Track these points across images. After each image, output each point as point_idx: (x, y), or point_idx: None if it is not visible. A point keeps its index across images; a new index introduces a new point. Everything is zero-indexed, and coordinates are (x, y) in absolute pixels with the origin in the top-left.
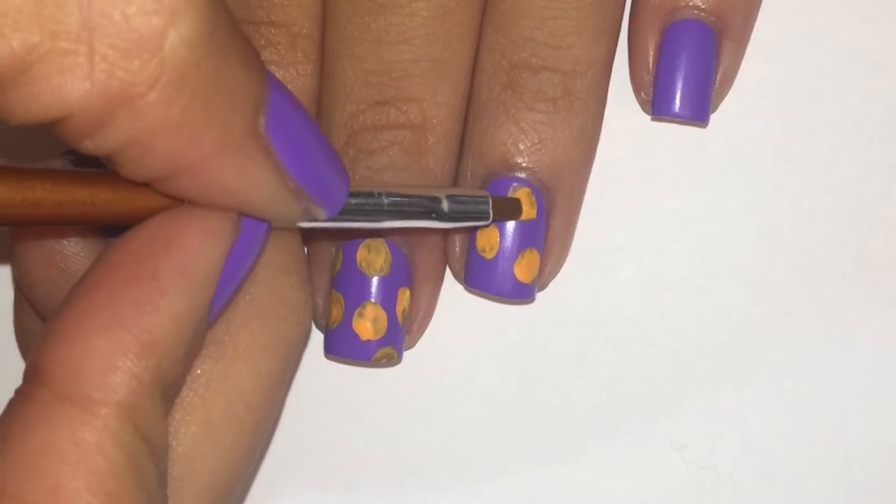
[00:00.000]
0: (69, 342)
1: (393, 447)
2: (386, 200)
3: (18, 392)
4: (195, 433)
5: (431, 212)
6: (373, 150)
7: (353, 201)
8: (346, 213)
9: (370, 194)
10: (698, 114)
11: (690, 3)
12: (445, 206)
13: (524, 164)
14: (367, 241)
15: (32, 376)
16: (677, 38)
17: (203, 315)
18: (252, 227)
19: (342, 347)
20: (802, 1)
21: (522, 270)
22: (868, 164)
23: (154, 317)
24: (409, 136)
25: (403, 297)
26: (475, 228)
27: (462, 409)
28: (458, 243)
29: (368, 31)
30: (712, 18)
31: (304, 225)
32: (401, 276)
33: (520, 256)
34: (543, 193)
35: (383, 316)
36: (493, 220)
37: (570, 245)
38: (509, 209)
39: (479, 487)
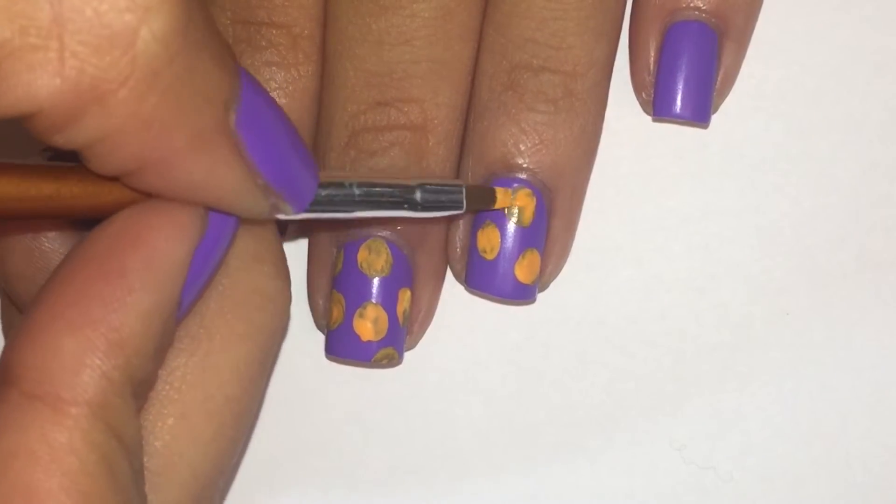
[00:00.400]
0: (37, 341)
1: (393, 447)
2: (357, 191)
3: None
4: (173, 427)
5: (404, 202)
6: (374, 150)
7: (323, 192)
8: (317, 204)
9: (341, 185)
10: (699, 114)
11: (691, 4)
12: (418, 195)
13: (525, 165)
14: (368, 241)
15: (3, 377)
16: (678, 38)
17: (171, 310)
18: (220, 221)
19: (343, 348)
20: (803, 1)
21: (523, 271)
22: (868, 164)
23: (122, 314)
24: (410, 136)
25: (404, 297)
26: (450, 217)
27: (462, 409)
28: (458, 244)
29: (369, 32)
30: (713, 19)
31: (276, 217)
32: (401, 276)
33: (521, 257)
34: (544, 194)
35: (384, 316)
36: (468, 210)
37: (570, 245)
38: (484, 198)
39: (479, 487)
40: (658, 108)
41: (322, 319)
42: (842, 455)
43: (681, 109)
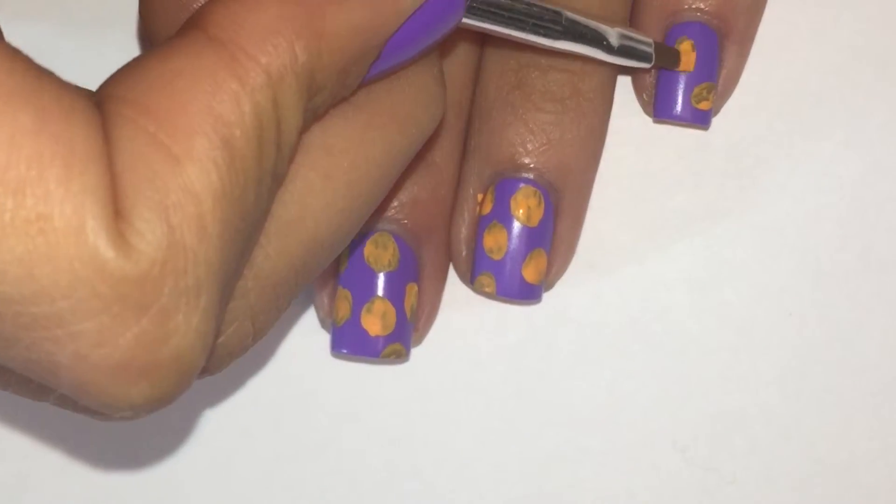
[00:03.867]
0: None
1: (393, 447)
2: (565, 16)
3: (174, 35)
4: (314, 183)
5: (602, 40)
6: None
7: (535, 9)
8: (524, 23)
9: (552, 10)
10: (700, 117)
11: (693, 5)
12: (614, 39)
13: (532, 165)
14: (375, 235)
15: (194, 21)
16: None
17: (374, 43)
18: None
19: (351, 344)
20: (805, 1)
21: (530, 271)
22: (871, 164)
23: (335, 9)
24: None
25: (411, 292)
26: (633, 69)
27: (462, 410)
28: (464, 245)
29: None
30: (715, 20)
31: (472, 24)
32: (408, 271)
33: (528, 257)
34: (551, 194)
35: (392, 311)
36: (654, 66)
37: (576, 245)
38: (669, 57)
39: (479, 487)
40: (659, 109)
41: (327, 316)
42: (844, 456)
43: (681, 112)
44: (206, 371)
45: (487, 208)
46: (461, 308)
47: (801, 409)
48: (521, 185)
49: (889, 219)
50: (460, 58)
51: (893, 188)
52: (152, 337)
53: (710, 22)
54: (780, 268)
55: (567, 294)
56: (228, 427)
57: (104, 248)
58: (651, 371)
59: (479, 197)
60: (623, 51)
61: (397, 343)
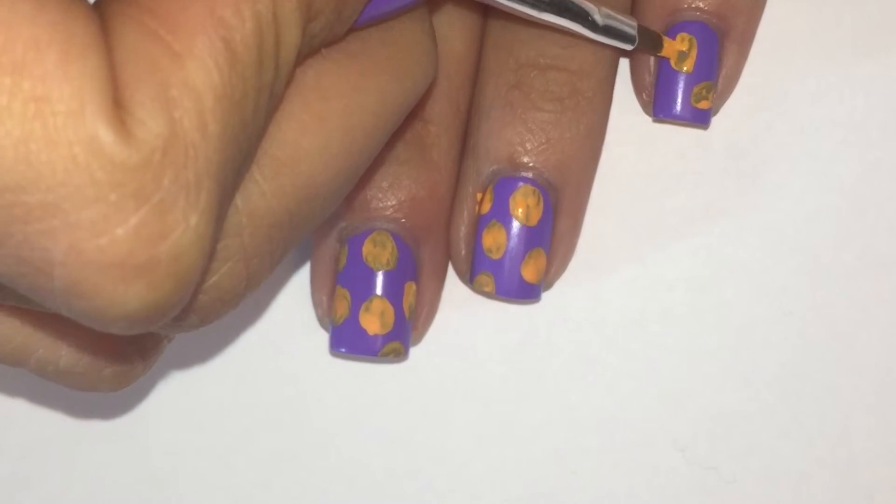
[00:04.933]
0: None
1: (393, 447)
2: None
3: None
4: (309, 125)
5: (587, 16)
6: None
7: None
8: None
9: None
10: (700, 116)
11: (693, 5)
12: (599, 17)
13: (531, 164)
14: (373, 234)
15: None
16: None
17: None
18: None
19: (349, 342)
20: (805, 0)
21: (529, 271)
22: (871, 163)
23: None
24: (411, 127)
25: (410, 291)
26: (617, 49)
27: (462, 409)
28: (463, 244)
29: None
30: (715, 20)
31: None
32: (407, 269)
33: (527, 257)
34: (550, 193)
35: (390, 310)
36: (637, 48)
37: (575, 245)
38: (652, 41)
39: (479, 488)
40: (658, 109)
41: (326, 315)
42: (844, 455)
43: (681, 111)
44: (193, 313)
45: (486, 207)
46: (460, 307)
47: (801, 409)
48: (520, 184)
49: (889, 219)
50: (459, 57)
51: (893, 188)
52: (150, 230)
53: (710, 21)
54: (779, 268)
55: (567, 294)
56: (227, 426)
57: (103, 133)
58: (651, 371)
59: (478, 196)
60: (606, 30)
61: (396, 342)
